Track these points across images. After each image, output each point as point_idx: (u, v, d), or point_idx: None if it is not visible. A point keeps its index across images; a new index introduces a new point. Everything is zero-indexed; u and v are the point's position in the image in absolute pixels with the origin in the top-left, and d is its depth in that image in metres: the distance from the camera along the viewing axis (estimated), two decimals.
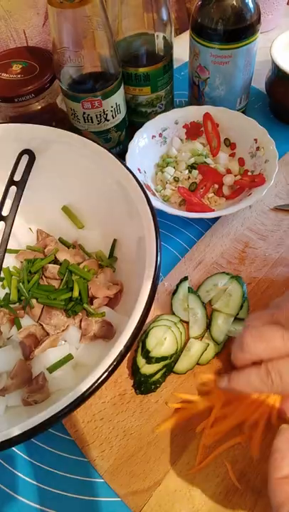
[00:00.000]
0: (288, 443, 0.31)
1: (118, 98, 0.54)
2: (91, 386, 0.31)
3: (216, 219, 0.58)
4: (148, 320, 0.37)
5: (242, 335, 0.35)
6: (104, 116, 0.55)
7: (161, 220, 0.56)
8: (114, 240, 0.51)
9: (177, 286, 0.51)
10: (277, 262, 0.53)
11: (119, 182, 0.44)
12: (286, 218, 0.57)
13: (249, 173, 0.59)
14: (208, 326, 0.48)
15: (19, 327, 0.45)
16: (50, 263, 0.49)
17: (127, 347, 0.33)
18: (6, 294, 0.49)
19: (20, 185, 0.50)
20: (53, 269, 0.48)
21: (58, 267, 0.48)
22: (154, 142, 0.62)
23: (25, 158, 0.50)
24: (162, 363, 0.44)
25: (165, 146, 0.63)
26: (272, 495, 0.29)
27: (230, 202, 0.58)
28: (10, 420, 0.40)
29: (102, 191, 0.48)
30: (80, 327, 0.45)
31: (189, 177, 0.60)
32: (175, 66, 0.63)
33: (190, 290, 0.50)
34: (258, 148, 0.58)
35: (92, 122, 0.55)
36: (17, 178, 0.50)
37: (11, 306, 0.47)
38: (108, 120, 0.56)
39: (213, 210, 0.57)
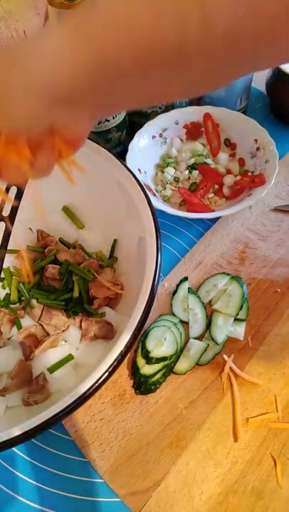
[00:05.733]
0: None
1: None
2: (91, 386, 0.31)
3: (216, 219, 0.58)
4: (148, 320, 0.37)
5: None
6: None
7: (161, 220, 0.55)
8: (115, 241, 0.51)
9: (177, 286, 0.51)
10: (277, 263, 0.53)
11: (120, 182, 0.44)
12: (286, 219, 0.57)
13: (249, 174, 0.59)
14: (208, 327, 0.48)
15: (19, 327, 0.45)
16: (50, 263, 0.49)
17: (128, 347, 0.33)
18: (7, 294, 0.49)
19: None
20: (53, 269, 0.48)
21: (58, 267, 0.48)
22: (154, 142, 0.62)
23: None
24: (162, 364, 0.44)
25: (165, 147, 0.63)
26: None
27: (231, 202, 0.58)
28: (10, 420, 0.40)
29: (103, 192, 0.48)
30: (81, 327, 0.45)
31: (189, 177, 0.60)
32: None
33: (190, 290, 0.50)
34: (258, 149, 0.58)
35: None
36: None
37: (11, 306, 0.48)
38: (108, 120, 0.56)
39: (214, 211, 0.57)
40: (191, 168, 0.61)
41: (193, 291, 0.50)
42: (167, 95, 0.26)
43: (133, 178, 0.43)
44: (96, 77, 0.22)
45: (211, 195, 0.59)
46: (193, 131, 0.64)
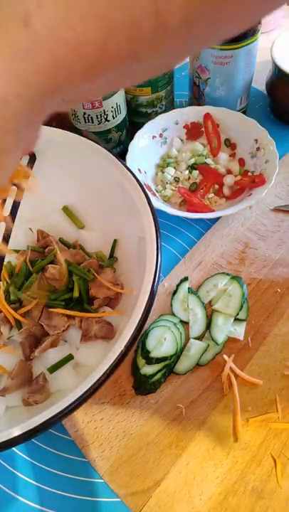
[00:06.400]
0: None
1: (118, 98, 0.54)
2: (91, 386, 0.31)
3: (216, 219, 0.58)
4: (148, 320, 0.37)
5: None
6: (105, 116, 0.55)
7: (161, 220, 0.55)
8: (115, 241, 0.51)
9: (177, 286, 0.51)
10: (277, 263, 0.53)
11: (120, 182, 0.44)
12: (286, 219, 0.57)
13: (249, 174, 0.59)
14: (208, 327, 0.48)
15: (19, 327, 0.45)
16: (50, 263, 0.49)
17: (128, 347, 0.33)
18: (6, 293, 0.49)
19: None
20: (53, 269, 0.48)
21: (58, 267, 0.48)
22: (154, 142, 0.62)
23: (25, 159, 0.50)
24: (162, 364, 0.44)
25: (165, 147, 0.63)
26: None
27: (231, 202, 0.58)
28: (10, 420, 0.40)
29: (103, 191, 0.48)
30: (81, 327, 0.45)
31: (190, 177, 0.60)
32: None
33: (190, 290, 0.50)
34: (258, 149, 0.58)
35: (92, 122, 0.55)
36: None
37: (11, 306, 0.47)
38: (108, 120, 0.56)
39: (214, 211, 0.57)
40: (191, 168, 0.61)
41: (193, 291, 0.50)
42: (124, 85, 0.27)
43: (133, 178, 0.43)
44: (49, 87, 0.21)
45: (211, 195, 0.59)
46: (193, 131, 0.64)
